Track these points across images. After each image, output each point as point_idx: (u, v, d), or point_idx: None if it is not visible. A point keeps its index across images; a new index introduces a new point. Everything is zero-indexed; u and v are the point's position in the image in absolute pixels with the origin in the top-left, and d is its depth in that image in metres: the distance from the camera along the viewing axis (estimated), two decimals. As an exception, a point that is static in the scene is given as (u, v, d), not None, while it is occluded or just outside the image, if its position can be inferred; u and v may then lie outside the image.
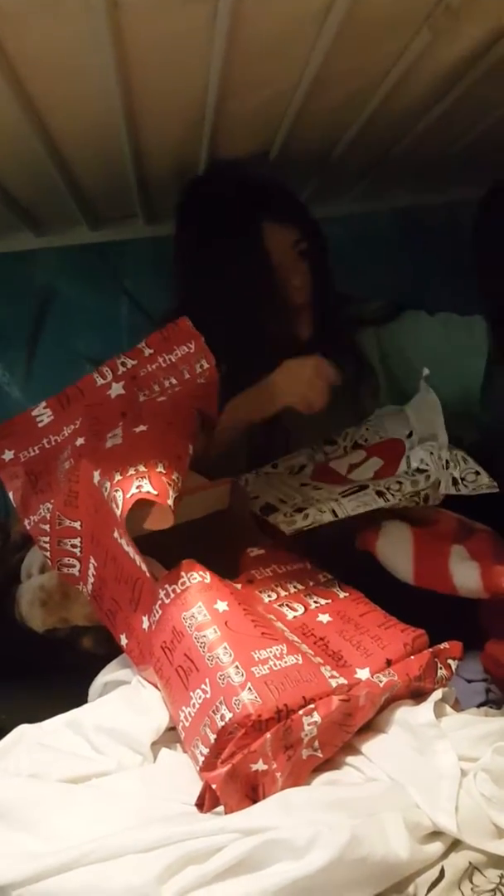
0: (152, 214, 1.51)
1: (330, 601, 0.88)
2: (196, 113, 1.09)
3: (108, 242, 1.56)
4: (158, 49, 0.89)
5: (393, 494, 0.94)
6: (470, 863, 0.65)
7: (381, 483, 0.97)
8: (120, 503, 0.79)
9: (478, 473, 0.93)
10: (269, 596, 0.88)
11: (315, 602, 0.88)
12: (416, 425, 1.05)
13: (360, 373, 1.31)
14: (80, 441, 0.93)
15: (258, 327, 1.19)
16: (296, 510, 0.98)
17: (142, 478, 0.79)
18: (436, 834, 0.67)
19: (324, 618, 0.85)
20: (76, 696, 0.89)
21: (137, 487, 0.78)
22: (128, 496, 0.78)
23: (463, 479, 0.93)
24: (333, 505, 0.96)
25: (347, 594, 0.90)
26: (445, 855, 0.65)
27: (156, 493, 0.78)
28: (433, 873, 0.64)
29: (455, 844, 0.66)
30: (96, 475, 0.84)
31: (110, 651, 0.92)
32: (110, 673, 0.90)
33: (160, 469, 0.81)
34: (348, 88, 1.06)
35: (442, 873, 0.64)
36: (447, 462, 0.94)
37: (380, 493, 0.95)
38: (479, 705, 0.85)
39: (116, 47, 0.87)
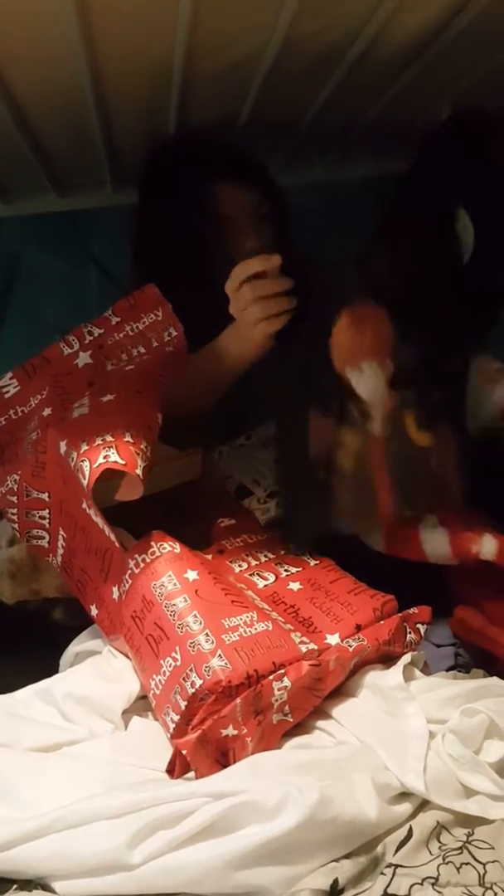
0: (121, 181, 1.48)
1: (300, 569, 0.89)
2: (163, 76, 1.07)
3: (76, 210, 1.52)
4: (123, 10, 0.87)
5: None
6: (438, 822, 0.66)
7: None
8: (87, 473, 0.78)
9: None
10: (239, 566, 0.88)
11: (286, 570, 0.88)
12: None
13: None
14: (47, 411, 0.91)
15: (206, 291, 1.17)
16: (269, 495, 0.98)
17: (109, 447, 0.78)
18: (405, 795, 0.67)
19: (294, 586, 0.86)
20: (47, 668, 0.89)
21: (104, 457, 0.77)
22: (94, 466, 0.77)
23: None
24: None
25: (318, 562, 0.90)
26: (414, 815, 0.67)
27: (123, 462, 0.77)
28: (401, 833, 0.65)
29: (423, 804, 0.67)
30: (63, 445, 0.83)
31: (81, 622, 0.92)
32: (81, 643, 0.90)
33: (128, 438, 0.80)
34: (316, 51, 1.03)
35: (410, 833, 0.64)
36: None
37: None
38: (448, 669, 0.86)
39: (80, 8, 0.84)
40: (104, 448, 0.78)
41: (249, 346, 0.96)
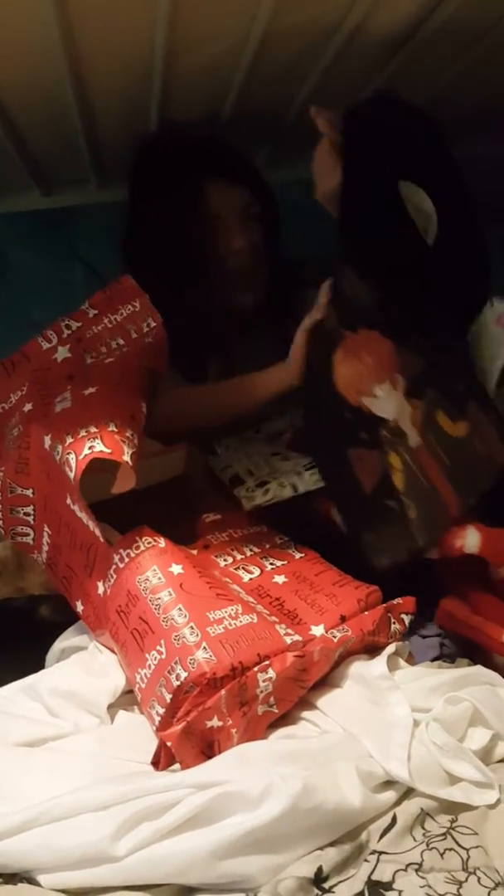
0: (105, 179, 1.48)
1: (286, 562, 0.89)
2: (144, 71, 1.06)
3: (61, 208, 1.52)
4: (102, 5, 0.87)
5: None
6: (422, 809, 0.66)
7: None
8: (73, 466, 0.78)
9: None
10: (225, 560, 0.89)
11: (271, 564, 0.89)
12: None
13: None
14: (27, 407, 0.91)
15: (195, 289, 1.17)
16: (258, 484, 0.98)
17: (94, 438, 0.78)
18: (389, 783, 0.68)
19: (279, 579, 0.86)
20: (34, 665, 0.89)
21: (90, 448, 0.78)
22: (80, 458, 0.77)
23: None
24: (295, 479, 0.96)
25: (303, 555, 0.90)
26: (398, 802, 0.67)
27: (109, 451, 0.77)
28: (385, 820, 0.65)
29: (408, 792, 0.68)
30: (47, 440, 0.83)
31: (67, 619, 0.92)
32: (67, 639, 0.90)
33: (112, 428, 0.80)
34: (297, 46, 1.04)
35: (394, 820, 0.65)
36: None
37: None
38: (434, 659, 0.86)
39: (59, 4, 0.84)
40: (89, 439, 0.78)
41: (289, 379, 0.99)
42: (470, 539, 0.88)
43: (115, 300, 0.97)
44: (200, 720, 0.69)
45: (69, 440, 0.81)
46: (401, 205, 0.94)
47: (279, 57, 1.06)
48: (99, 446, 0.78)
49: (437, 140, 1.02)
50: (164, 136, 1.22)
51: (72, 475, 0.79)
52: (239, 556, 0.89)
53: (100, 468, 0.80)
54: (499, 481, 0.94)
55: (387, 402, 0.90)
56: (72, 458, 0.79)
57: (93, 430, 0.80)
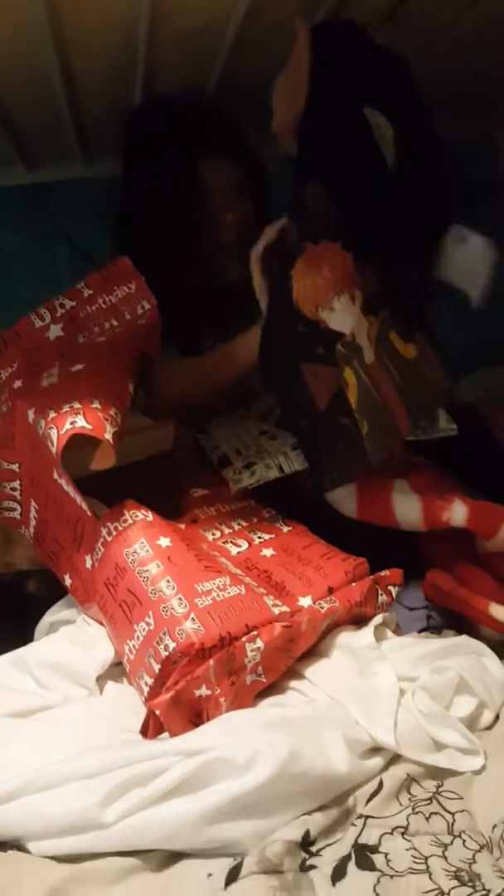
0: (90, 154, 1.46)
1: (273, 536, 0.89)
2: (128, 40, 1.05)
3: (45, 183, 1.50)
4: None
5: None
6: (408, 774, 0.67)
7: None
8: (55, 440, 0.78)
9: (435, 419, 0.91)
10: (213, 534, 0.89)
11: (259, 537, 0.89)
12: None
13: None
14: (17, 384, 0.91)
15: (186, 264, 1.16)
16: (245, 465, 0.98)
17: (76, 414, 0.78)
18: (376, 749, 0.69)
19: (267, 552, 0.86)
20: (22, 640, 0.89)
21: (71, 423, 0.77)
22: (62, 432, 0.77)
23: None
24: (281, 459, 0.96)
25: (291, 528, 0.91)
26: (385, 768, 0.68)
27: (90, 427, 0.77)
28: (372, 785, 0.66)
29: (394, 759, 0.69)
30: (31, 413, 0.83)
31: (55, 593, 0.92)
32: (56, 613, 0.90)
33: (96, 405, 0.79)
34: (283, 15, 1.02)
35: (381, 785, 0.66)
36: None
37: None
38: (420, 631, 0.87)
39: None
40: (71, 415, 0.78)
41: None
42: (457, 512, 0.89)
43: (111, 281, 0.96)
44: (189, 689, 0.69)
45: (52, 415, 0.80)
46: (365, 128, 0.93)
47: (265, 27, 1.05)
48: (80, 422, 0.78)
49: (398, 67, 1.00)
50: (159, 109, 1.21)
51: (53, 450, 0.78)
52: (227, 530, 0.89)
53: (86, 443, 0.80)
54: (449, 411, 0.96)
55: (344, 315, 0.90)
56: (53, 432, 0.79)
57: (76, 406, 0.80)
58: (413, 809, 0.63)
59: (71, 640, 0.82)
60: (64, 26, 0.98)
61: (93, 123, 1.32)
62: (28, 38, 0.99)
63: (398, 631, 0.84)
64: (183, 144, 1.17)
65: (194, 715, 0.70)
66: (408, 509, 0.92)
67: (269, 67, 1.20)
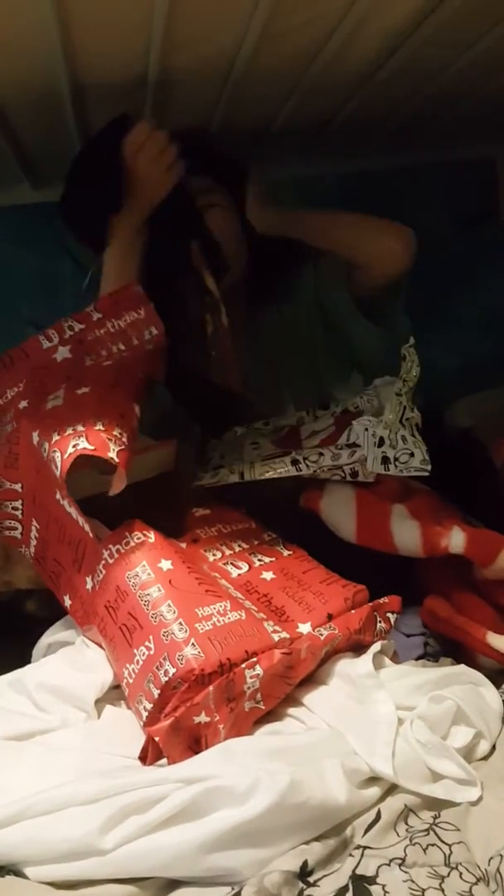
0: (96, 174, 1.48)
1: (274, 559, 0.90)
2: (139, 69, 1.07)
3: (49, 202, 1.51)
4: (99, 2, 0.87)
5: (308, 465, 0.94)
6: (406, 805, 0.67)
7: (301, 452, 0.97)
8: (59, 464, 0.78)
9: (412, 455, 0.90)
10: (213, 555, 0.89)
11: (259, 560, 0.89)
12: (383, 396, 1.05)
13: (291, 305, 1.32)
14: (23, 404, 0.91)
15: (159, 278, 1.17)
16: (215, 468, 1.01)
17: (79, 437, 0.79)
18: (373, 779, 0.69)
19: (267, 575, 0.87)
20: (20, 660, 0.89)
21: (73, 446, 0.78)
22: (65, 457, 0.78)
23: (396, 459, 0.90)
24: (245, 468, 0.98)
25: (291, 552, 0.91)
26: (382, 798, 0.68)
27: (92, 447, 0.78)
28: (370, 816, 0.66)
29: (392, 788, 0.69)
30: (35, 436, 0.83)
31: (54, 613, 0.92)
32: (54, 634, 0.90)
33: (99, 427, 0.80)
34: (296, 44, 1.04)
35: (378, 815, 0.66)
36: (381, 440, 0.91)
37: (294, 462, 0.95)
38: (418, 658, 0.88)
39: (56, 3, 0.84)
40: (74, 437, 0.79)
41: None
42: (455, 539, 0.89)
43: (121, 306, 0.98)
44: (188, 716, 0.69)
45: (56, 438, 0.81)
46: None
47: (276, 56, 1.07)
48: (83, 444, 0.78)
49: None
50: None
51: (58, 472, 0.79)
52: (228, 552, 0.89)
53: (90, 464, 0.81)
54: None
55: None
56: (57, 456, 0.79)
57: (80, 428, 0.80)
58: (410, 840, 0.63)
59: (69, 663, 0.82)
60: (76, 53, 0.99)
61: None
62: (40, 62, 1.01)
63: (396, 658, 0.85)
64: None
65: (193, 741, 0.70)
66: (406, 535, 0.92)
67: (278, 95, 1.24)
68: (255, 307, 1.31)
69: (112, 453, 0.79)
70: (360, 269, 1.24)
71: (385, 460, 0.90)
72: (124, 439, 0.82)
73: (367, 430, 0.93)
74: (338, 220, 1.28)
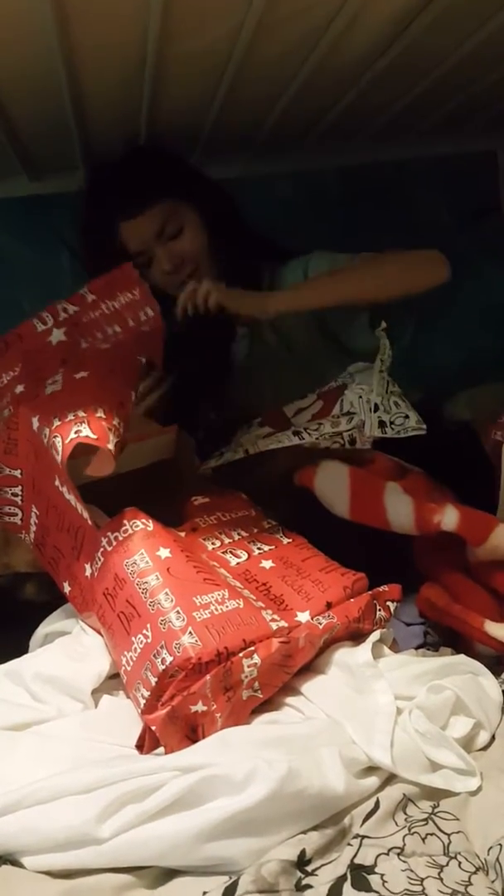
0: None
1: (273, 547, 0.89)
2: (136, 59, 1.06)
3: (47, 195, 1.51)
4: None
5: (310, 433, 0.95)
6: (404, 795, 0.67)
7: (301, 424, 0.99)
8: (60, 449, 0.78)
9: (406, 417, 0.93)
10: (212, 543, 0.89)
11: (258, 549, 0.89)
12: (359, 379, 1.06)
13: None
14: (19, 388, 0.91)
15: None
16: (221, 453, 1.03)
17: (81, 423, 0.78)
18: (372, 768, 0.68)
19: (266, 564, 0.86)
20: (17, 648, 0.88)
21: (76, 432, 0.77)
22: (66, 441, 0.77)
23: (392, 423, 0.93)
24: (249, 445, 0.99)
25: (291, 540, 0.90)
26: (381, 788, 0.67)
27: (95, 437, 0.77)
28: (368, 805, 0.65)
29: (390, 778, 0.68)
30: (35, 422, 0.83)
31: (53, 598, 0.91)
32: (51, 624, 0.90)
33: (100, 414, 0.80)
34: (293, 33, 1.04)
35: (377, 805, 0.65)
36: (376, 405, 0.94)
37: (296, 433, 0.97)
38: (418, 647, 0.87)
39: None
40: (76, 423, 0.78)
41: None
42: (448, 516, 0.89)
43: (115, 287, 0.97)
44: (185, 705, 0.69)
45: (56, 423, 0.80)
46: None
47: (273, 48, 1.06)
48: (85, 431, 0.78)
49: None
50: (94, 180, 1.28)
51: (59, 458, 0.78)
52: (227, 540, 0.89)
53: (89, 451, 0.80)
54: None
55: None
56: (58, 441, 0.79)
57: (81, 414, 0.80)
58: (409, 830, 0.63)
59: (66, 653, 0.82)
60: (74, 43, 0.98)
61: (98, 137, 1.33)
62: (38, 54, 1.00)
63: (395, 647, 0.84)
64: (103, 214, 1.22)
65: (190, 730, 0.69)
66: (400, 511, 0.92)
67: (278, 84, 1.23)
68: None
69: (111, 444, 0.78)
70: None
71: (381, 424, 0.93)
72: (121, 430, 0.81)
73: (360, 397, 0.95)
74: (364, 274, 1.19)
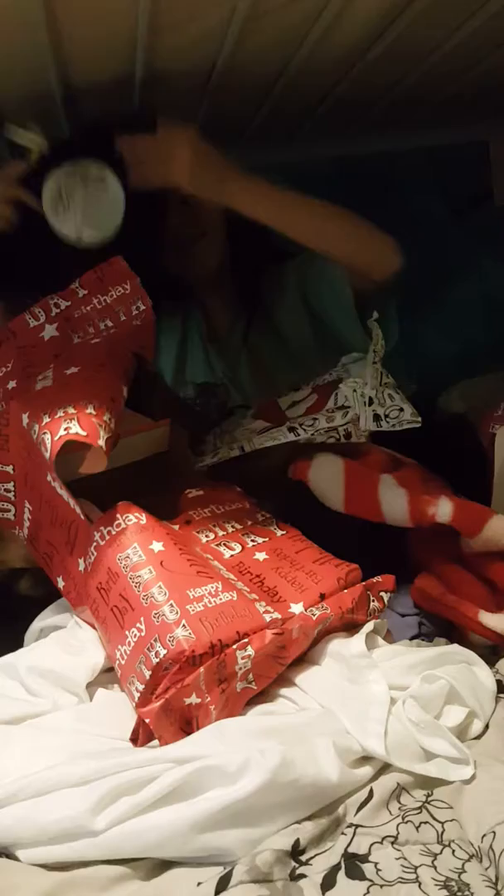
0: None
1: (267, 539, 0.89)
2: (127, 50, 1.05)
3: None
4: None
5: (305, 429, 0.95)
6: (398, 783, 0.67)
7: (296, 420, 0.98)
8: (49, 446, 0.78)
9: (401, 410, 0.93)
10: (206, 536, 0.88)
11: (252, 541, 0.89)
12: (352, 371, 1.06)
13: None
14: (11, 384, 0.91)
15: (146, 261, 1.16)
16: (214, 450, 1.02)
17: (70, 419, 0.78)
18: (366, 758, 0.69)
19: (260, 556, 0.86)
20: (12, 642, 0.88)
21: (65, 429, 0.77)
22: (56, 439, 0.77)
23: (387, 416, 0.93)
24: (244, 442, 0.98)
25: (284, 532, 0.90)
26: (375, 777, 0.68)
27: (84, 433, 0.77)
28: (362, 794, 0.66)
29: (384, 767, 0.69)
30: (25, 418, 0.82)
31: (48, 593, 0.91)
32: (46, 619, 0.90)
33: (90, 410, 0.79)
34: (284, 24, 1.03)
35: (371, 794, 0.66)
36: (370, 399, 0.94)
37: (291, 429, 0.96)
38: (412, 638, 0.87)
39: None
40: (65, 420, 0.78)
41: None
42: (442, 508, 0.89)
43: (106, 281, 0.96)
44: (179, 697, 0.69)
45: (46, 420, 0.80)
46: None
47: (264, 37, 1.05)
48: (75, 428, 0.78)
49: None
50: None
51: (47, 455, 0.78)
52: (220, 533, 0.89)
53: (81, 446, 0.80)
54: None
55: None
56: (47, 438, 0.78)
57: (70, 411, 0.80)
58: (403, 819, 0.63)
59: (61, 646, 0.82)
60: (60, 32, 0.97)
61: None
62: (27, 46, 0.99)
63: (389, 638, 0.84)
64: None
65: (184, 723, 0.70)
66: (394, 503, 0.92)
67: (270, 73, 1.22)
68: (242, 311, 1.31)
69: (101, 441, 0.78)
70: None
71: (377, 418, 0.93)
72: (112, 426, 0.81)
73: (354, 391, 0.95)
74: (313, 209, 1.18)
